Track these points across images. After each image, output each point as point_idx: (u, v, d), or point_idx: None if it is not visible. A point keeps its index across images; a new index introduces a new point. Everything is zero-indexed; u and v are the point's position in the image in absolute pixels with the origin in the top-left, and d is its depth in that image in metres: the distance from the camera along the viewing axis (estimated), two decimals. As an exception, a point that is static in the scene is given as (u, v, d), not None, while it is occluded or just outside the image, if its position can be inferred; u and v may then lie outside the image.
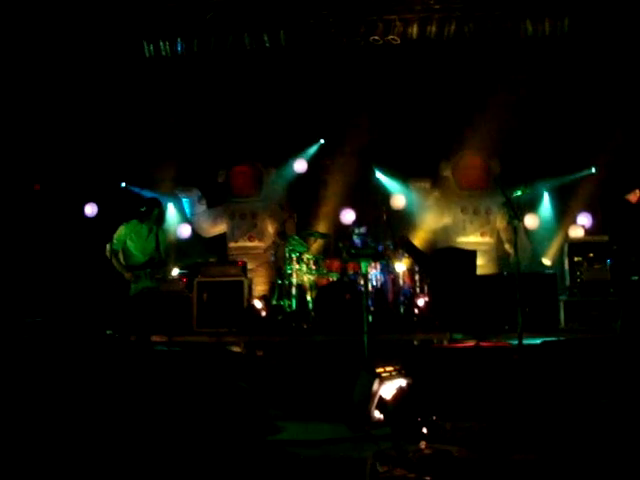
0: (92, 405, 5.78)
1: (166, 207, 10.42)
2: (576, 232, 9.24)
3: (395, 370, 5.17)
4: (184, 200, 10.56)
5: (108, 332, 7.24)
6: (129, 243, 7.36)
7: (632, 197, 6.69)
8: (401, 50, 9.90)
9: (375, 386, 4.96)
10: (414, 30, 9.74)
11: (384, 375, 5.05)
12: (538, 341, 6.55)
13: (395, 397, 4.96)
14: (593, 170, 9.78)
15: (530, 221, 9.68)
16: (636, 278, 6.88)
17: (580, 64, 9.38)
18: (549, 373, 5.89)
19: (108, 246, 7.46)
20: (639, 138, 9.18)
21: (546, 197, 10.12)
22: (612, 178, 9.50)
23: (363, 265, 6.93)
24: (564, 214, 9.86)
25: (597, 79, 9.37)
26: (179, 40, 10.15)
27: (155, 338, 7.53)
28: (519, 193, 6.58)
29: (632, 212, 7.95)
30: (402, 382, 5.10)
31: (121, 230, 7.52)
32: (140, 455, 4.84)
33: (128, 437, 5.16)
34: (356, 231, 8.90)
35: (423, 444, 4.74)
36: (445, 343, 7.18)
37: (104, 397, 5.94)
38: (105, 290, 7.65)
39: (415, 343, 7.35)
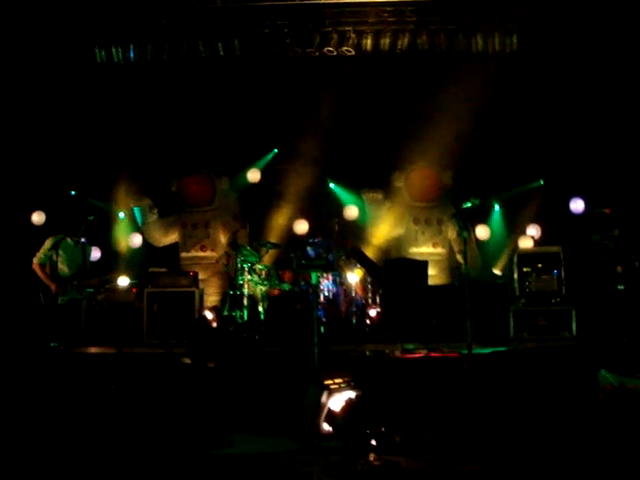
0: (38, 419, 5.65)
1: (117, 216, 10.31)
2: (525, 243, 9.41)
3: (344, 382, 5.15)
4: (135, 209, 10.38)
5: (53, 344, 7.08)
6: (53, 256, 7.34)
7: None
8: (355, 61, 9.96)
9: (324, 398, 4.93)
10: (368, 42, 9.81)
11: (333, 387, 5.03)
12: (488, 351, 6.64)
13: (344, 409, 4.95)
14: (542, 182, 9.99)
15: (481, 232, 9.83)
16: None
17: (528, 79, 9.59)
18: (499, 383, 5.97)
19: (35, 260, 7.42)
20: (585, 152, 9.43)
21: (497, 208, 10.29)
22: (559, 190, 9.76)
23: (313, 276, 6.91)
24: (514, 225, 10.04)
25: (544, 94, 9.59)
26: (132, 46, 10.01)
27: (104, 349, 7.42)
28: (469, 205, 6.65)
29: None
30: (351, 394, 5.09)
31: (48, 243, 7.54)
32: (83, 467, 4.74)
33: (71, 448, 5.05)
34: (310, 241, 8.88)
35: (372, 456, 4.74)
36: (397, 354, 7.20)
37: (49, 409, 5.81)
38: (40, 301, 7.60)
39: (367, 354, 7.35)
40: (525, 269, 8.16)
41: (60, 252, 7.63)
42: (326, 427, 4.96)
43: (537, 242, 9.48)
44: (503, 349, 6.85)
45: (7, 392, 6.05)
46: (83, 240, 7.75)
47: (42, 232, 8.93)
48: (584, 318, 7.80)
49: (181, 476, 4.60)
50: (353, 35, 9.80)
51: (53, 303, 7.35)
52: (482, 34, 9.60)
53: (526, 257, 8.27)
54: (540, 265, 8.13)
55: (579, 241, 8.82)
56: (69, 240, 7.89)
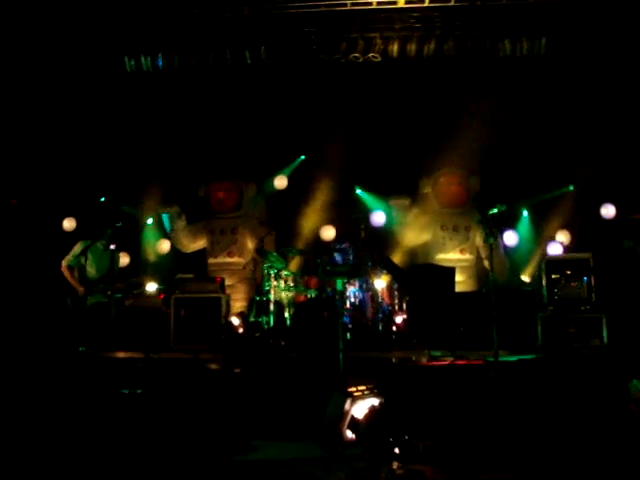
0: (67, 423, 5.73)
1: (145, 223, 10.44)
2: (554, 249, 9.28)
3: (367, 389, 5.13)
4: (164, 216, 10.49)
5: (81, 349, 7.19)
6: (82, 259, 7.53)
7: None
8: (381, 68, 9.95)
9: (347, 405, 4.91)
10: (394, 48, 9.79)
11: (356, 394, 5.01)
12: (515, 359, 6.55)
13: (367, 416, 4.92)
14: (571, 188, 9.86)
15: (509, 238, 9.72)
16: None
17: (557, 84, 9.47)
18: (526, 391, 5.88)
19: (64, 262, 7.58)
20: (615, 157, 9.28)
21: (525, 214, 10.18)
22: (590, 196, 9.61)
23: (338, 282, 6.90)
24: (543, 231, 9.92)
25: (574, 98, 9.47)
26: (160, 55, 10.15)
27: (131, 354, 7.50)
28: (495, 211, 6.59)
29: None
30: (374, 401, 5.06)
31: (77, 247, 7.70)
32: (107, 470, 4.79)
33: (99, 454, 5.12)
34: (337, 247, 8.88)
35: (395, 464, 4.70)
36: (423, 360, 7.15)
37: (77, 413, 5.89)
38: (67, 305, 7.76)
39: (393, 361, 7.31)
40: (554, 276, 8.02)
41: (89, 256, 7.83)
42: (349, 434, 4.94)
43: (566, 248, 9.35)
44: (531, 357, 6.75)
45: (36, 395, 6.15)
46: (113, 247, 7.92)
47: (73, 238, 9.09)
48: (615, 326, 7.65)
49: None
50: (379, 41, 9.78)
51: (81, 307, 7.50)
52: (509, 38, 9.52)
53: (555, 264, 8.14)
54: (569, 272, 7.99)
55: (610, 247, 8.66)
56: (98, 244, 8.07)
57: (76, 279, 7.81)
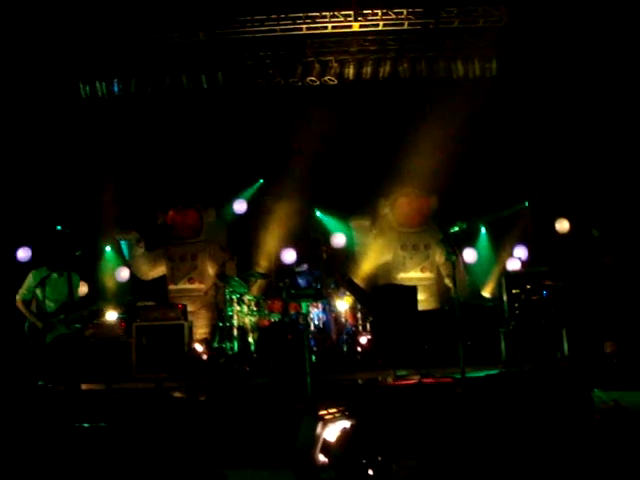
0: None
1: (104, 250, 10.24)
2: (513, 265, 9.44)
3: (339, 412, 5.08)
4: (122, 243, 10.33)
5: (40, 383, 6.94)
6: (39, 291, 7.12)
7: None
8: (338, 91, 10.06)
9: (318, 429, 4.85)
10: (350, 71, 9.96)
11: (327, 417, 4.95)
12: (481, 374, 6.61)
13: (339, 439, 4.87)
14: (526, 204, 10.07)
15: (468, 255, 9.85)
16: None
17: (510, 103, 9.72)
18: (493, 406, 5.92)
19: (18, 296, 7.19)
20: (567, 173, 9.54)
21: (483, 231, 10.34)
22: (544, 211, 9.84)
23: (304, 305, 6.87)
24: (501, 247, 10.09)
25: (526, 117, 9.72)
26: (116, 81, 10.08)
27: (92, 386, 7.31)
28: (456, 229, 6.68)
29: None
30: (346, 424, 5.01)
31: (30, 278, 7.29)
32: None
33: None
34: (297, 269, 8.86)
35: (369, 486, 4.67)
36: (390, 380, 7.15)
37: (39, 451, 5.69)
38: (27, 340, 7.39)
39: (359, 382, 7.29)
40: (514, 291, 8.14)
41: (46, 287, 7.45)
42: (322, 458, 4.87)
43: (525, 263, 9.52)
44: (496, 372, 6.82)
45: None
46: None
47: (27, 268, 8.82)
48: (576, 338, 7.78)
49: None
50: (335, 64, 9.94)
51: (41, 341, 7.17)
52: (462, 60, 9.76)
53: (514, 279, 8.27)
54: (529, 286, 8.13)
55: (566, 261, 8.85)
56: (53, 273, 7.69)
57: (33, 313, 7.34)
